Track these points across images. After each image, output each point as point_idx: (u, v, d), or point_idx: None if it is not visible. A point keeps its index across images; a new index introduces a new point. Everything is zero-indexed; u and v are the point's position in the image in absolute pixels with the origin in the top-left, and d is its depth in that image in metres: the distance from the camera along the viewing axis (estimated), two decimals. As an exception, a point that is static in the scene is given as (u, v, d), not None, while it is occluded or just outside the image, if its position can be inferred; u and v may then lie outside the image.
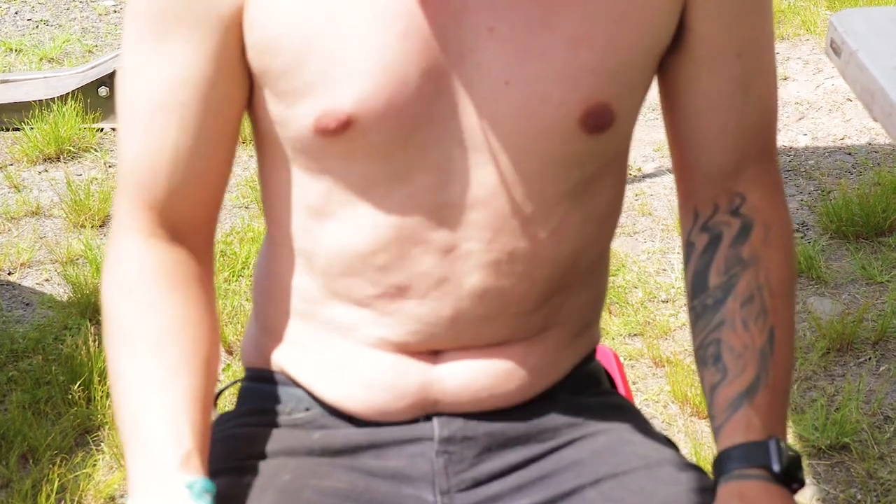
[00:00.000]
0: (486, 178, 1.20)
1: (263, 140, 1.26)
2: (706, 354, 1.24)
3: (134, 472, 1.15)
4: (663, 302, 3.13)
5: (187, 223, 1.26)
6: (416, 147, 1.18)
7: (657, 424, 2.70)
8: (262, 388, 1.35)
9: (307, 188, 1.23)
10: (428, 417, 1.29)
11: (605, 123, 1.19)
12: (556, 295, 1.29)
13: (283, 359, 1.33)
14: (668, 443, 1.34)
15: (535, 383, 1.30)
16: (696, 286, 1.27)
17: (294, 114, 1.19)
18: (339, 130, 1.16)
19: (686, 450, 2.57)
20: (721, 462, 1.19)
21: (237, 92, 1.22)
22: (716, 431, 1.21)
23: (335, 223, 1.23)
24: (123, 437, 1.18)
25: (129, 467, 1.16)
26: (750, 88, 1.25)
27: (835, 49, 2.22)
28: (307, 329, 1.30)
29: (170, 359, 1.19)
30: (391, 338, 1.26)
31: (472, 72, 1.16)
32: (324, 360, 1.29)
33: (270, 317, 1.34)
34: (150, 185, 1.23)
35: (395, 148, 1.18)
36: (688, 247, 1.29)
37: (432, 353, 1.28)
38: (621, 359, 2.87)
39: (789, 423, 2.62)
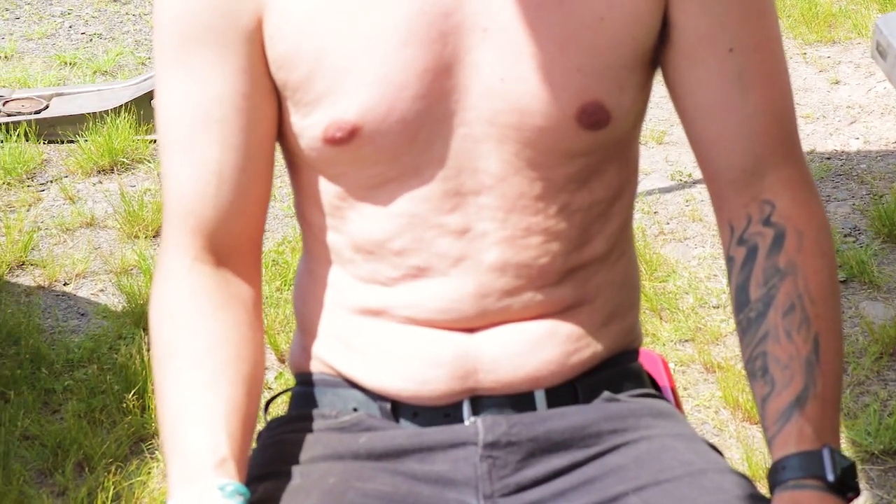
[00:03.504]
0: (491, 167, 1.26)
1: (287, 148, 1.32)
2: (755, 367, 1.24)
3: (172, 477, 1.18)
4: (714, 308, 3.12)
5: (233, 245, 1.29)
6: (421, 145, 1.25)
7: (708, 430, 2.69)
8: (309, 391, 1.37)
9: (326, 189, 1.30)
10: (475, 412, 1.29)
11: (601, 120, 1.25)
12: (579, 270, 1.31)
13: (325, 355, 1.35)
14: (713, 449, 1.33)
15: (571, 354, 1.31)
16: (740, 301, 1.27)
17: (307, 124, 1.25)
18: (346, 139, 1.23)
19: (738, 455, 2.57)
20: (775, 472, 1.19)
21: (269, 104, 1.27)
22: (769, 443, 1.21)
23: (355, 215, 1.29)
24: (164, 445, 1.21)
25: (168, 473, 1.19)
26: (749, 87, 1.26)
27: (881, 52, 2.20)
28: (343, 320, 1.33)
29: (209, 371, 1.22)
30: (420, 317, 1.29)
31: (470, 71, 1.23)
32: (361, 345, 1.32)
33: (309, 316, 1.37)
34: (196, 210, 1.27)
35: (402, 149, 1.24)
36: (728, 262, 1.30)
37: (466, 330, 1.30)
38: (672, 365, 2.87)
39: (842, 429, 2.60)
